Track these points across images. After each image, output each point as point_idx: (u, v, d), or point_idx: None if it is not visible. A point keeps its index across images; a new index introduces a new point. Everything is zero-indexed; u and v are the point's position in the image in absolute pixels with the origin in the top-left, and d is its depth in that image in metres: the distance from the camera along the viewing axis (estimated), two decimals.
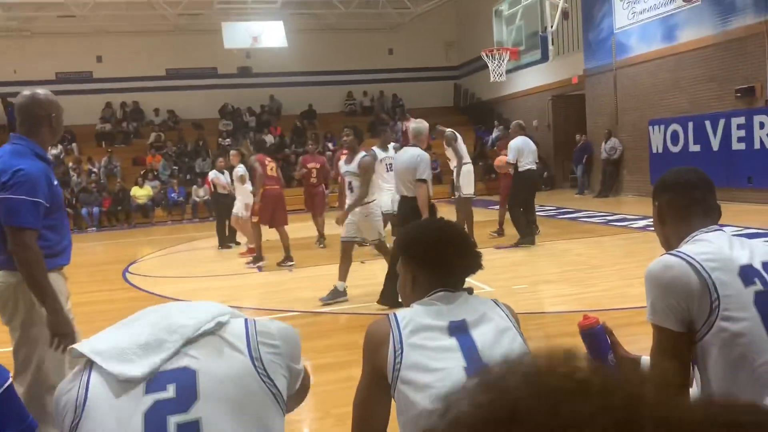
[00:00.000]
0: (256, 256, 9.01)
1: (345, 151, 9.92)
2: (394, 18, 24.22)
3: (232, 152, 10.00)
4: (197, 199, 17.87)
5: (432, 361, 1.64)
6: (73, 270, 11.08)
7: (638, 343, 4.71)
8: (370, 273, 8.09)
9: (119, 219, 18.00)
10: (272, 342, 1.45)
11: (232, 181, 10.19)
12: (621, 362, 1.94)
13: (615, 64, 15.79)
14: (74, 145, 20.73)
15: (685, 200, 1.89)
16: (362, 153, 6.52)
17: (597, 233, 10.04)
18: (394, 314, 1.74)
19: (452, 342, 1.67)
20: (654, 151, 14.59)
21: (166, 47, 22.83)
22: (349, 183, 6.52)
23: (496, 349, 1.68)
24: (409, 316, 1.73)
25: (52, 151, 19.92)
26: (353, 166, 6.47)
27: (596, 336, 1.97)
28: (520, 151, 8.84)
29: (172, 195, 18.31)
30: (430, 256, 1.81)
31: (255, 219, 8.93)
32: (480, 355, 1.66)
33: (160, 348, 1.40)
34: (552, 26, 11.92)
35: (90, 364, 1.41)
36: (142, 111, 23.03)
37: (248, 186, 9.40)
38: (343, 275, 6.44)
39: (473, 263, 1.86)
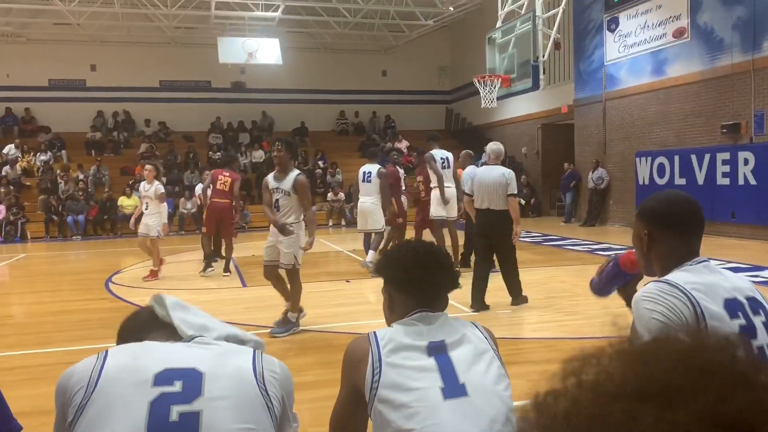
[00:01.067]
0: (207, 262, 9.66)
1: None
2: (389, 41, 24.47)
3: (147, 167, 9.18)
4: (184, 212, 17.81)
5: (410, 380, 1.66)
6: (55, 278, 11.06)
7: None
8: (356, 292, 8.10)
9: (105, 228, 17.88)
10: (273, 369, 1.59)
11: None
12: (621, 292, 2.09)
13: (605, 95, 16.01)
14: (63, 152, 20.63)
15: (679, 234, 1.87)
16: (297, 171, 5.99)
17: (582, 261, 10.10)
18: (374, 333, 1.77)
19: (430, 362, 1.69)
20: (640, 182, 14.76)
21: (160, 59, 22.88)
22: (276, 201, 5.93)
23: (473, 370, 1.70)
24: (389, 335, 1.75)
25: (41, 157, 19.83)
26: (286, 184, 5.88)
27: (626, 276, 2.11)
28: (465, 182, 8.93)
29: None
30: (404, 277, 1.84)
31: (204, 230, 9.90)
32: (457, 376, 1.68)
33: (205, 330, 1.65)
34: (544, 56, 12.09)
35: (105, 352, 1.54)
36: (134, 121, 23.00)
37: (165, 206, 9.13)
38: (294, 303, 5.96)
39: (448, 282, 1.88)
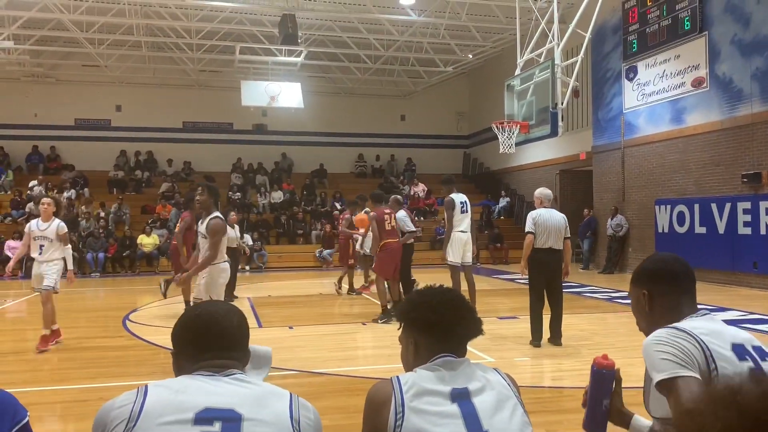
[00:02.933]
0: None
1: (347, 213, 10.20)
2: (408, 86, 24.84)
3: (44, 201, 7.50)
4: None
5: (433, 426, 1.64)
6: (73, 315, 11.08)
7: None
8: (371, 335, 8.04)
9: (123, 266, 18.02)
10: (308, 414, 1.64)
11: (241, 235, 10.19)
12: (614, 413, 1.96)
13: (623, 143, 16.04)
14: (86, 190, 20.98)
15: (676, 289, 1.98)
16: (215, 214, 6.02)
17: (601, 309, 9.97)
18: (397, 377, 1.75)
19: (454, 408, 1.68)
20: (660, 230, 14.65)
21: (184, 101, 23.38)
22: (194, 243, 6.19)
23: (497, 418, 1.69)
24: (412, 380, 1.74)
25: (65, 194, 20.19)
26: (203, 227, 6.03)
27: (605, 378, 1.97)
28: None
29: None
30: (433, 319, 1.83)
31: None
32: (481, 423, 1.66)
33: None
34: (562, 103, 12.18)
35: (146, 387, 1.57)
36: (156, 161, 23.39)
37: (69, 249, 7.46)
38: None
39: (474, 328, 1.88)
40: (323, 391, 5.34)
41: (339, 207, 20.83)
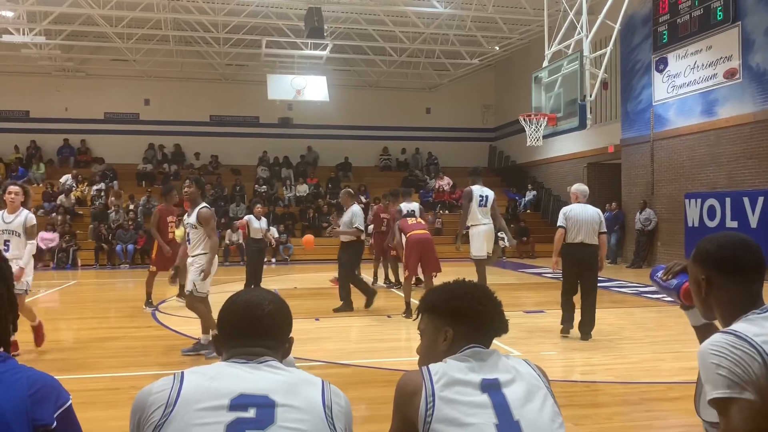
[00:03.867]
0: (148, 300, 9.65)
1: (379, 207, 10.29)
2: (434, 79, 24.74)
3: (11, 189, 6.53)
4: (229, 243, 18.09)
5: (464, 416, 1.64)
6: (102, 305, 11.27)
7: (668, 419, 4.58)
8: (396, 327, 8.06)
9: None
10: (339, 401, 1.67)
11: (268, 227, 10.29)
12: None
13: (652, 135, 15.80)
14: (115, 182, 21.30)
15: (740, 280, 1.78)
16: (202, 204, 6.41)
17: (629, 304, 9.86)
18: (427, 367, 1.76)
19: (484, 398, 1.68)
20: (690, 224, 14.41)
21: (211, 94, 23.59)
22: (188, 234, 6.49)
23: (528, 408, 1.68)
24: (443, 370, 1.74)
25: (95, 187, 20.53)
26: (192, 217, 6.38)
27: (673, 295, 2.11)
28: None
29: None
30: (477, 309, 1.83)
31: (153, 268, 9.87)
32: (511, 413, 1.66)
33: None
34: (591, 96, 12.02)
35: (182, 373, 1.59)
36: (183, 154, 23.65)
37: (33, 244, 6.44)
38: (203, 326, 6.50)
39: (504, 323, 1.89)
40: (349, 382, 5.37)
41: (364, 200, 20.88)
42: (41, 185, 20.72)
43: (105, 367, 6.02)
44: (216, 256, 6.49)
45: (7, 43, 18.33)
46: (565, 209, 7.45)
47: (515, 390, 1.72)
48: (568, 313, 7.26)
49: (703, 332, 2.01)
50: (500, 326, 1.88)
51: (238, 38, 19.85)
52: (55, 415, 1.43)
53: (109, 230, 18.22)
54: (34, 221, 6.51)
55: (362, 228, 9.21)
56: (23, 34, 17.97)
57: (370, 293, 9.21)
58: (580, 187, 7.65)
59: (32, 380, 1.44)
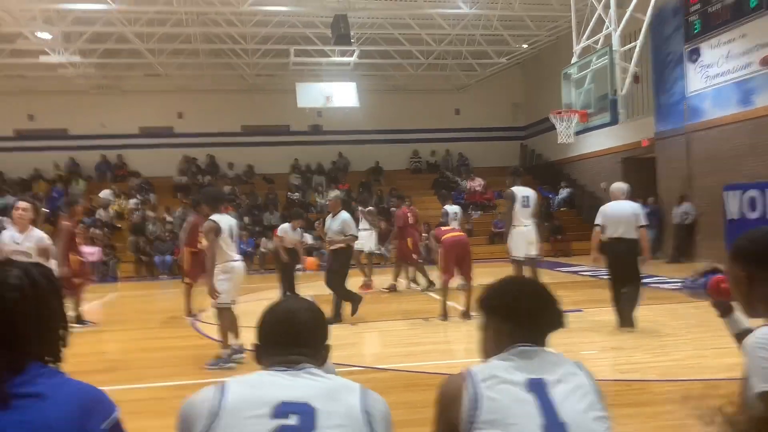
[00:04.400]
0: (192, 314, 9.73)
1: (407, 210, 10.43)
2: (462, 80, 24.66)
3: (20, 205, 6.33)
4: (264, 251, 18.28)
5: (509, 416, 1.65)
6: (145, 316, 11.47)
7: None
8: (433, 331, 8.05)
9: None
10: (378, 406, 1.70)
11: (302, 236, 10.37)
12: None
13: (687, 127, 15.49)
14: (152, 195, 21.71)
15: None
16: (211, 216, 6.35)
17: (671, 300, 9.67)
18: (470, 369, 1.77)
19: (529, 398, 1.68)
20: (730, 217, 14.08)
21: (242, 105, 23.89)
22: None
23: (574, 409, 1.68)
24: (487, 370, 1.75)
25: (131, 200, 20.96)
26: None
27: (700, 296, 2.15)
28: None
29: (242, 246, 18.79)
30: (512, 307, 1.84)
31: (187, 280, 9.92)
32: (557, 414, 1.66)
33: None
34: (622, 90, 11.84)
35: (224, 383, 1.65)
36: (217, 165, 24.00)
37: (52, 264, 6.26)
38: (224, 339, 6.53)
39: (555, 319, 1.89)
40: (388, 386, 5.39)
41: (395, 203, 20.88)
42: (83, 202, 21.13)
43: (150, 377, 6.15)
44: (217, 267, 6.29)
45: (45, 64, 18.86)
46: (602, 207, 7.69)
47: (562, 390, 1.71)
48: (620, 305, 7.43)
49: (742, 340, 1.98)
50: (547, 322, 1.88)
51: (266, 48, 20.08)
52: (102, 427, 1.46)
53: (147, 243, 18.58)
54: (47, 241, 6.05)
55: (356, 234, 9.44)
56: (59, 53, 18.48)
57: (355, 300, 9.02)
58: (618, 185, 7.87)
59: (81, 393, 1.48)
